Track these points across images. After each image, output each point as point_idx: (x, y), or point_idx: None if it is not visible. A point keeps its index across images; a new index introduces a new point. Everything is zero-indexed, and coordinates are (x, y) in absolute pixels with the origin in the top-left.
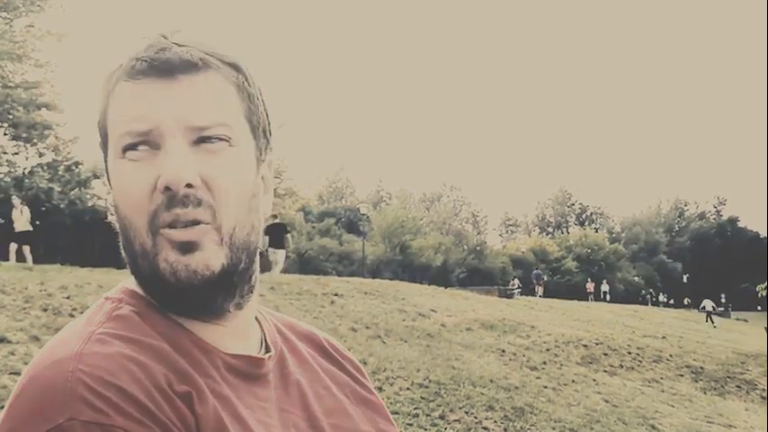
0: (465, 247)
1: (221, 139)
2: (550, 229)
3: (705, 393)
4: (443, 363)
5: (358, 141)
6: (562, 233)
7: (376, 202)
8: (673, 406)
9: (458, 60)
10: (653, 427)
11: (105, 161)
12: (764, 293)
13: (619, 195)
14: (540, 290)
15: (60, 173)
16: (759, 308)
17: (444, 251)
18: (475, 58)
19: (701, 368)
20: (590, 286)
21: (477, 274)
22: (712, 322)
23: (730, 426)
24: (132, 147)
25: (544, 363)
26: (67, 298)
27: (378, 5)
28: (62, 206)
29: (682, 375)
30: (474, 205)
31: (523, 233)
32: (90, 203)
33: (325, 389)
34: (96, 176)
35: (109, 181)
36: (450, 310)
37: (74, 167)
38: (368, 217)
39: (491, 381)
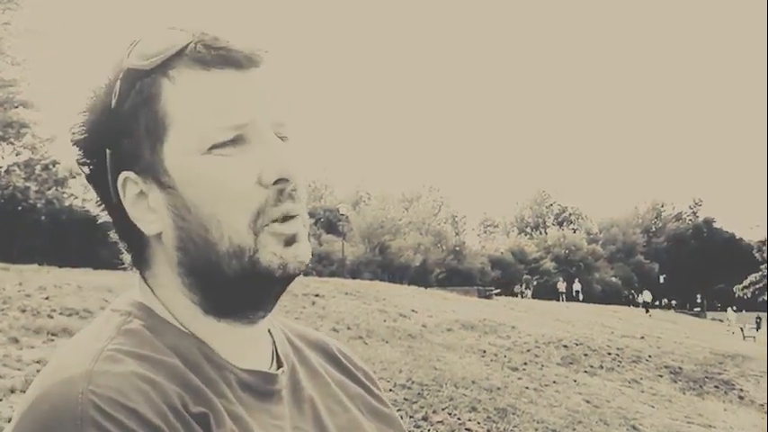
0: (444, 247)
1: (284, 136)
2: (529, 230)
3: (684, 393)
4: (425, 364)
5: (337, 142)
6: (540, 234)
7: (355, 203)
8: (653, 406)
9: (437, 61)
10: (634, 427)
11: (155, 155)
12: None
13: (597, 196)
14: (528, 293)
15: (37, 172)
16: (735, 308)
17: (424, 251)
18: (454, 59)
19: (680, 368)
20: (561, 286)
21: (456, 274)
22: (647, 312)
23: (710, 426)
24: (226, 142)
25: (525, 363)
26: (46, 299)
27: (357, 6)
28: (39, 205)
29: (661, 376)
30: (453, 206)
31: (502, 234)
32: (67, 203)
33: (337, 403)
34: (73, 176)
35: (159, 179)
36: (431, 311)
37: (51, 166)
38: (347, 217)
39: (473, 382)
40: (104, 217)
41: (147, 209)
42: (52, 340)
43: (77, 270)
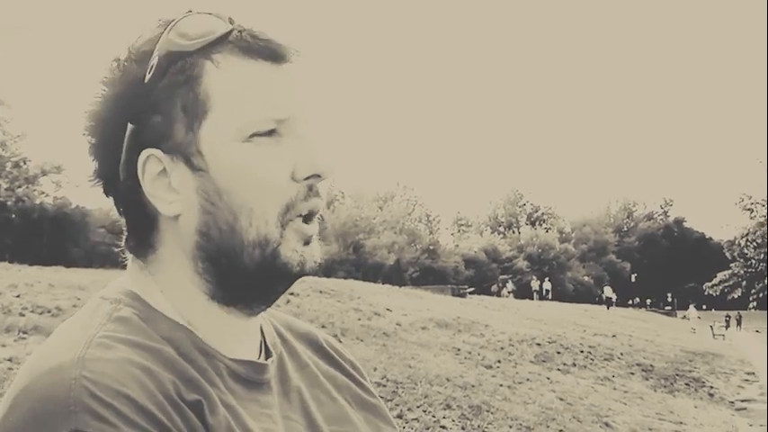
0: (418, 246)
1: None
2: (502, 229)
3: (655, 391)
4: (400, 362)
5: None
6: (513, 233)
7: (329, 202)
8: (625, 403)
9: (411, 61)
10: (606, 424)
11: (190, 136)
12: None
13: (569, 196)
14: (505, 292)
15: (8, 169)
16: (704, 307)
17: (398, 250)
18: (427, 59)
19: (651, 366)
20: (535, 284)
21: (430, 273)
22: (607, 308)
23: (680, 423)
24: (264, 133)
25: (499, 361)
26: (17, 297)
27: (329, 5)
28: (9, 203)
29: (633, 373)
30: (427, 205)
31: (475, 233)
32: (38, 201)
33: (325, 394)
34: (44, 173)
35: (191, 160)
36: (406, 309)
37: (22, 164)
38: (321, 216)
39: (447, 379)
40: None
41: (167, 188)
42: (24, 338)
43: (49, 268)
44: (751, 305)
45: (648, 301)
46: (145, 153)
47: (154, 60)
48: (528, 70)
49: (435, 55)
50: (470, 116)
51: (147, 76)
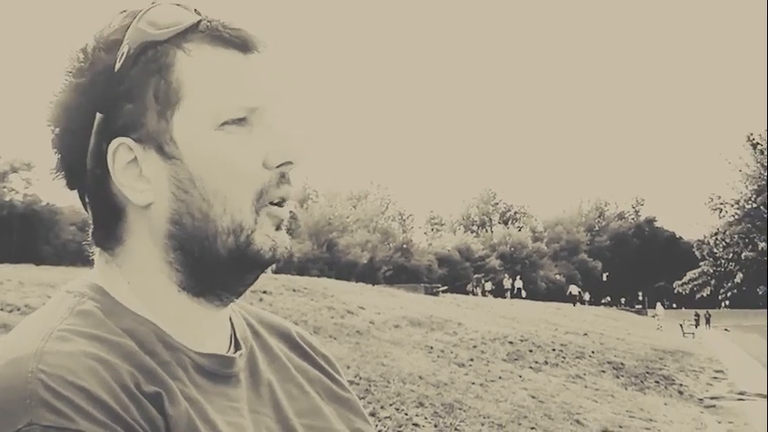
0: (391, 245)
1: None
2: (475, 228)
3: (626, 389)
4: (373, 360)
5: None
6: (486, 232)
7: (303, 200)
8: (596, 401)
9: (384, 60)
10: (578, 421)
11: (162, 125)
12: (680, 289)
13: (542, 195)
14: (478, 291)
15: None
16: (674, 305)
17: (371, 249)
18: (401, 58)
19: (622, 364)
20: (507, 282)
21: (403, 271)
22: (573, 305)
23: (651, 420)
24: (237, 120)
25: (471, 359)
26: None
27: (301, 4)
28: None
29: (604, 371)
30: (400, 204)
31: (449, 232)
32: (7, 198)
33: (297, 387)
34: (14, 170)
35: (163, 148)
36: (379, 308)
37: None
38: (294, 214)
39: (420, 377)
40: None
41: (138, 177)
42: None
43: (19, 266)
44: (723, 304)
45: (623, 300)
46: (115, 142)
47: (124, 49)
48: (501, 71)
49: (409, 55)
50: (444, 116)
51: (118, 65)
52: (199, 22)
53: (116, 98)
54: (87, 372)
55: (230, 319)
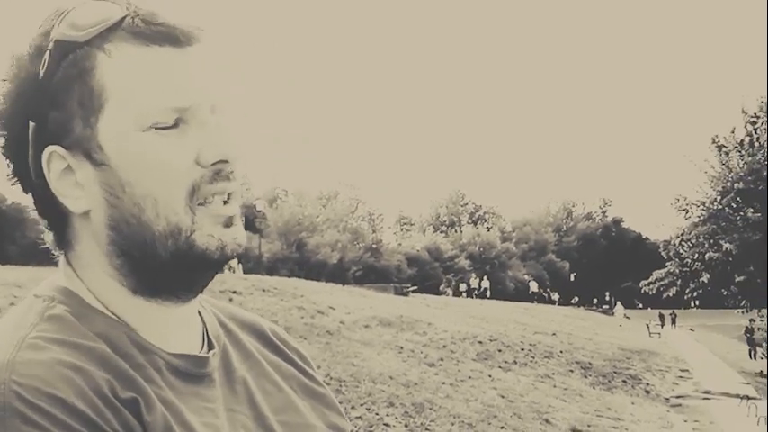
0: (361, 245)
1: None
2: (444, 228)
3: (594, 388)
4: (343, 360)
5: (254, 138)
6: (455, 232)
7: (272, 200)
8: (564, 400)
9: (352, 60)
10: (547, 421)
11: (88, 131)
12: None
13: (510, 196)
14: (449, 291)
15: None
16: (641, 305)
17: (341, 249)
18: (370, 58)
19: (590, 364)
20: (473, 281)
21: (372, 271)
22: (532, 302)
23: (618, 419)
24: (167, 121)
25: (441, 359)
26: None
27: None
28: None
29: (572, 371)
30: (370, 204)
31: (418, 232)
32: None
33: (271, 384)
34: None
35: (91, 155)
36: (349, 308)
37: None
38: (264, 214)
39: (391, 377)
40: (14, 194)
41: (74, 185)
42: None
43: None
44: (693, 303)
45: (596, 301)
46: (47, 150)
47: (45, 55)
48: (469, 72)
49: (378, 56)
50: (414, 116)
51: (41, 72)
52: (122, 19)
53: (43, 106)
54: (62, 381)
55: (201, 316)
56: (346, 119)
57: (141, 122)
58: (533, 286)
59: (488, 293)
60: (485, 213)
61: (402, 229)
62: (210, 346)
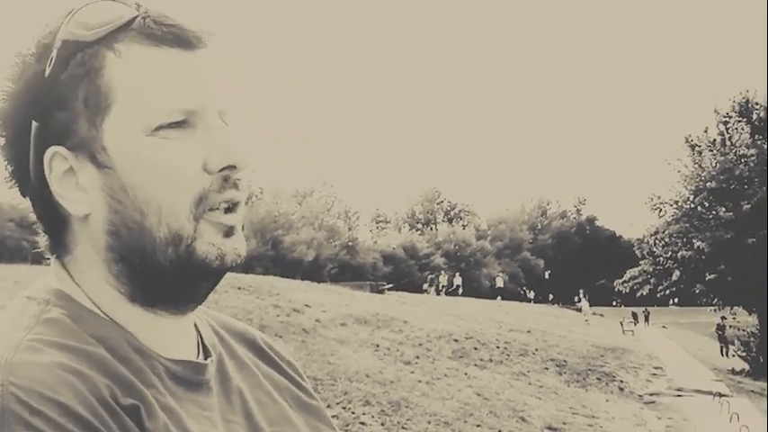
0: (337, 242)
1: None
2: (420, 226)
3: (569, 386)
4: (319, 358)
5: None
6: (431, 230)
7: (247, 198)
8: (540, 398)
9: (329, 57)
10: (522, 419)
11: (93, 132)
12: (620, 287)
13: (485, 194)
14: (432, 290)
15: None
16: (614, 303)
17: (316, 246)
18: (346, 56)
19: (565, 361)
20: (443, 279)
21: (348, 269)
22: (494, 298)
23: (593, 416)
24: (173, 124)
25: (417, 357)
26: None
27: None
28: None
29: (547, 368)
30: (346, 201)
31: (394, 229)
32: None
33: (266, 395)
34: None
35: (95, 156)
36: (325, 306)
37: None
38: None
39: (367, 376)
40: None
41: (75, 187)
42: None
43: None
44: (671, 301)
45: (576, 299)
46: (50, 151)
47: (53, 53)
48: (445, 70)
49: (355, 54)
50: (389, 114)
51: (47, 71)
52: (133, 19)
53: (48, 105)
54: (62, 385)
55: (195, 325)
56: (320, 117)
57: (148, 125)
58: (499, 282)
59: (460, 291)
60: (460, 211)
61: (378, 227)
62: (207, 354)
